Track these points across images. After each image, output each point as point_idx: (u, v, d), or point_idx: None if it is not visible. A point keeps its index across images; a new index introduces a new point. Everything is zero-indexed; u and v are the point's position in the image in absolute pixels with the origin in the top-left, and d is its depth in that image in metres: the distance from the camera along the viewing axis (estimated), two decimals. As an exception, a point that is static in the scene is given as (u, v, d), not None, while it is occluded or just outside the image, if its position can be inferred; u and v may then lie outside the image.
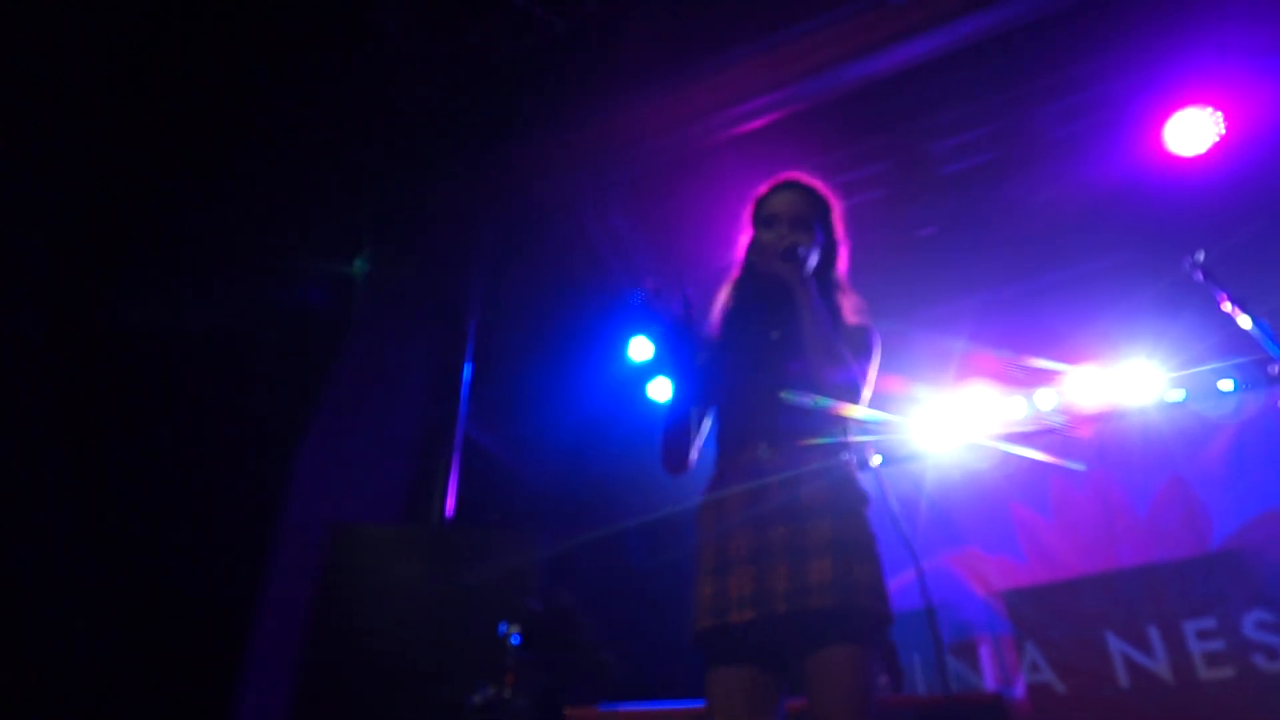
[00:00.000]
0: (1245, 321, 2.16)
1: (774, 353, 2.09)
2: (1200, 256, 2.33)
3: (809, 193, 2.24)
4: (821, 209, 2.23)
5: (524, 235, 5.83)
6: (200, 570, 3.59)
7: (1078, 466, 5.00)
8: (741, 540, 1.89)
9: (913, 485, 5.33)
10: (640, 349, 6.54)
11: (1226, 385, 5.20)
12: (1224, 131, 4.93)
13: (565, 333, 5.99)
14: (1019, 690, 4.39)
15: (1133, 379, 5.78)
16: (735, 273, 2.30)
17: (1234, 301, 2.20)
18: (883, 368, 6.22)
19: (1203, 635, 4.21)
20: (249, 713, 3.55)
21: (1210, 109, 4.99)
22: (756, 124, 5.60)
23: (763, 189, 2.28)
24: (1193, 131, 5.03)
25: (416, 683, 3.46)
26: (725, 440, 2.09)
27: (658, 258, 6.34)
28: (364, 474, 4.54)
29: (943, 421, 6.08)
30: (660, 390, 6.67)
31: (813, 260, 2.14)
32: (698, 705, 2.78)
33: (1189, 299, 5.10)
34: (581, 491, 5.84)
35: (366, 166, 4.97)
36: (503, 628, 3.07)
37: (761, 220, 2.22)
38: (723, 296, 2.31)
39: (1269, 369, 2.09)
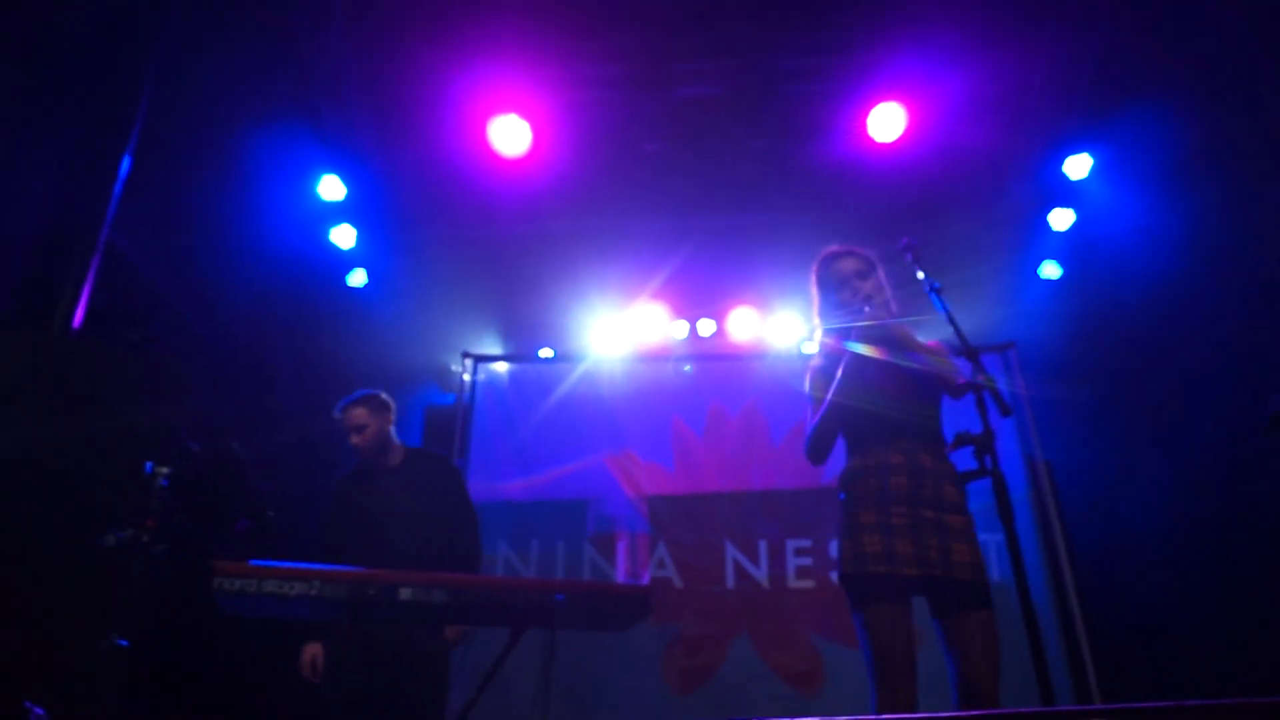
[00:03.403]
0: (937, 305, 2.49)
1: None
2: (912, 241, 2.62)
3: None
4: None
5: (222, 30, 4.99)
6: None
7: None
8: None
9: (588, 384, 5.56)
10: (331, 188, 6.00)
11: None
12: (909, 125, 5.61)
13: (251, 152, 5.28)
14: (644, 581, 4.88)
15: (785, 325, 6.50)
16: None
17: (931, 287, 2.52)
18: (577, 270, 6.23)
19: (799, 552, 4.98)
20: None
21: (901, 104, 5.63)
22: (512, -14, 5.29)
23: None
24: (888, 121, 5.66)
25: (24, 512, 2.94)
26: None
27: (372, 97, 5.80)
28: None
29: (620, 329, 6.38)
30: (344, 237, 6.19)
31: None
32: (353, 570, 2.70)
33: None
34: (242, 327, 5.27)
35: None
36: (149, 466, 2.71)
37: None
38: None
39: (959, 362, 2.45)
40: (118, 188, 4.28)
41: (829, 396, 2.59)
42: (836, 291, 2.79)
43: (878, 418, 2.59)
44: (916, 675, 2.32)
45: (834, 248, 2.88)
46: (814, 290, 2.92)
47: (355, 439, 3.72)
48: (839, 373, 2.61)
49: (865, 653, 2.37)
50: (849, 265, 2.79)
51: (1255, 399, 4.01)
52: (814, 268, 2.91)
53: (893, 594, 2.36)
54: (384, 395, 3.88)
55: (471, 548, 3.76)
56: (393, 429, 3.86)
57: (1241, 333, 5.16)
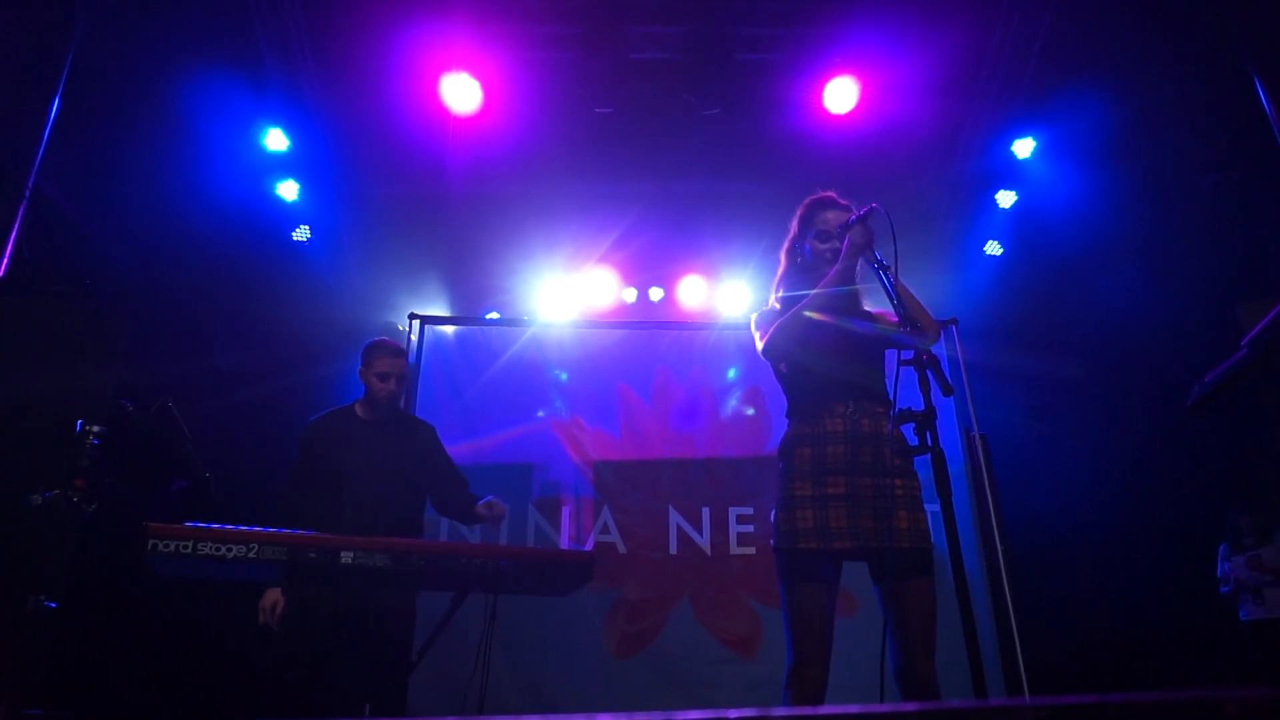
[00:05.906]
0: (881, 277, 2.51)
1: None
2: (875, 210, 2.63)
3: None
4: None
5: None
6: None
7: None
8: None
9: (536, 348, 5.53)
10: (276, 139, 5.82)
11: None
12: (861, 98, 5.64)
13: (191, 99, 5.08)
14: (588, 546, 4.91)
15: (733, 295, 6.53)
16: None
17: (878, 264, 2.54)
18: (525, 233, 6.16)
19: (741, 519, 5.06)
20: None
21: (854, 78, 5.65)
22: (466, -60, 5.15)
23: None
24: (841, 93, 5.68)
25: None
26: None
27: (319, 48, 5.62)
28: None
29: (569, 294, 6.34)
30: (290, 190, 6.02)
31: None
32: (293, 533, 2.66)
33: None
34: (179, 281, 5.11)
35: None
36: (79, 424, 2.63)
37: None
38: None
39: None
40: (46, 130, 4.10)
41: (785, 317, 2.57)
42: (816, 238, 2.72)
43: (820, 379, 2.60)
44: (830, 652, 2.37)
45: (825, 194, 2.80)
46: (794, 227, 2.82)
47: (382, 388, 3.55)
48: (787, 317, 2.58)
49: (785, 624, 2.41)
50: (835, 216, 2.71)
51: (1180, 379, 4.14)
52: (800, 209, 2.82)
53: (822, 571, 2.39)
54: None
55: (463, 503, 3.57)
56: None
57: (1168, 314, 5.34)
